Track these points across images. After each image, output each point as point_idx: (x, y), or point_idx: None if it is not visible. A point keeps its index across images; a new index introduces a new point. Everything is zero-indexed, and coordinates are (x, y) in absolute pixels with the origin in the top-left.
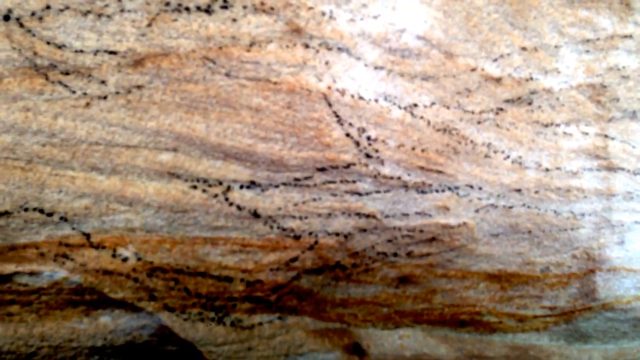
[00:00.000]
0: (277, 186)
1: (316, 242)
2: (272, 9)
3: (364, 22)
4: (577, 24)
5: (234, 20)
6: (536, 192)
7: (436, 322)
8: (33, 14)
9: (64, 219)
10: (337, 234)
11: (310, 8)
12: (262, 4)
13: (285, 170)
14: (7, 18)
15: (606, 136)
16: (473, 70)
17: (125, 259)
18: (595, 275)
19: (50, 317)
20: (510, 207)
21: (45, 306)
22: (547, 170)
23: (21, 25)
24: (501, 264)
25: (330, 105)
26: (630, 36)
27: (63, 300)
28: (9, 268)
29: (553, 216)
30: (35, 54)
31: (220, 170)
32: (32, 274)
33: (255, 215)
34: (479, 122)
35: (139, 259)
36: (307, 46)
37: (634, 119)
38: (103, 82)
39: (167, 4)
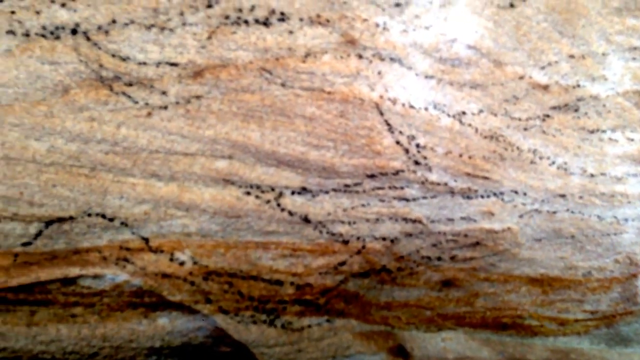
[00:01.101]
0: (327, 192)
1: (364, 247)
2: (327, 21)
3: (416, 32)
4: (624, 32)
5: (291, 32)
6: (580, 197)
7: (478, 325)
8: (99, 27)
9: (124, 224)
10: (384, 239)
11: (365, 20)
12: (318, 16)
13: (336, 176)
14: (74, 32)
15: None
16: (521, 78)
17: (182, 263)
18: (637, 279)
19: (111, 318)
20: (554, 212)
21: (107, 308)
22: (592, 175)
23: (88, 39)
24: (543, 268)
25: (381, 114)
26: None
27: (124, 303)
28: (74, 271)
29: (596, 221)
30: (100, 66)
31: (273, 177)
32: (95, 277)
33: (306, 220)
34: (525, 129)
35: (194, 263)
36: (360, 57)
37: None
38: (164, 92)
39: (227, 17)
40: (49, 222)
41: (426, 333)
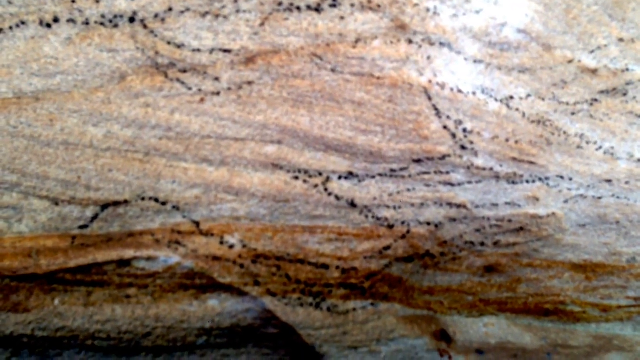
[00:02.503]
0: (373, 177)
1: (408, 231)
2: (378, 6)
3: (466, 17)
4: None
5: (342, 18)
6: (627, 182)
7: (520, 311)
8: (156, 15)
9: (176, 207)
10: (429, 224)
11: (416, 5)
12: (369, 1)
13: (383, 161)
14: (132, 20)
15: None
16: (570, 62)
17: (231, 246)
18: None
19: (164, 299)
20: (600, 198)
21: (159, 289)
22: (639, 161)
23: (145, 27)
24: (587, 254)
25: (430, 98)
26: None
27: (175, 284)
28: (129, 253)
29: None
30: (156, 53)
31: (321, 161)
32: (149, 259)
33: (352, 205)
34: (573, 114)
35: (244, 246)
36: (410, 42)
37: None
38: (217, 78)
39: (280, 3)
40: (104, 206)
41: (468, 318)
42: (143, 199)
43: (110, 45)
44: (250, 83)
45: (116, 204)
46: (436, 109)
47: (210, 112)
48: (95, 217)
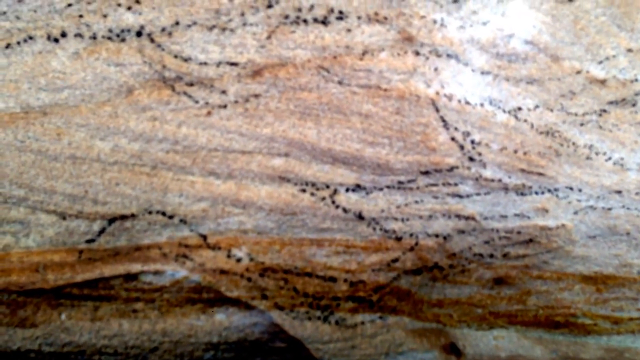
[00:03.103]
0: (381, 189)
1: (416, 244)
2: (385, 18)
3: (474, 28)
4: None
5: (349, 30)
6: (637, 193)
7: (531, 324)
8: (163, 29)
9: (183, 221)
10: (437, 236)
11: (423, 17)
12: (376, 14)
13: (390, 173)
14: (139, 34)
15: None
16: (578, 72)
17: (239, 260)
18: None
19: (171, 314)
20: (610, 209)
21: (166, 303)
22: None
23: (152, 41)
24: (597, 265)
25: (437, 110)
26: None
27: (183, 298)
28: (136, 267)
29: None
30: (164, 67)
31: (328, 174)
32: (156, 273)
33: (360, 217)
34: (581, 124)
35: (251, 260)
36: (417, 53)
37: None
38: (224, 92)
39: (287, 16)
40: (111, 220)
41: (478, 331)
42: (150, 212)
43: (118, 59)
44: (257, 96)
45: (123, 217)
46: (444, 121)
47: (217, 125)
48: (102, 231)
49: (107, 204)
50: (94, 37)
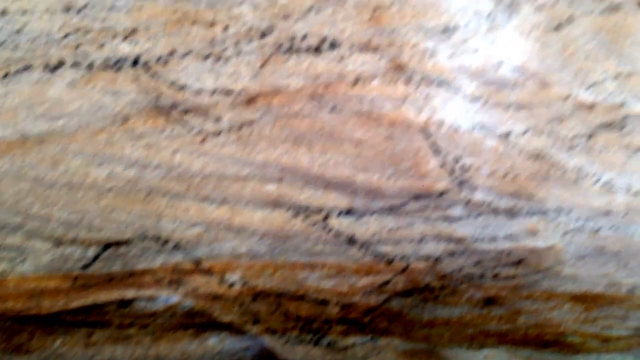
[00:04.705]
0: (372, 213)
1: (407, 266)
2: (377, 47)
3: (464, 56)
4: None
5: (341, 59)
6: (625, 214)
7: (520, 343)
8: (159, 59)
9: (177, 246)
10: (428, 258)
11: (414, 45)
12: (368, 43)
13: (382, 198)
14: (135, 63)
15: None
16: (567, 98)
17: (232, 284)
18: None
19: (163, 339)
20: (598, 230)
21: (160, 329)
22: (637, 193)
23: (147, 70)
24: (587, 285)
25: (428, 136)
26: None
27: (176, 323)
28: (130, 293)
29: None
30: (159, 95)
31: (321, 199)
32: (150, 298)
33: (352, 241)
34: (570, 148)
35: (244, 284)
36: (408, 81)
37: None
38: (218, 119)
39: (280, 46)
40: (106, 246)
41: (468, 351)
42: (144, 238)
43: (114, 88)
44: (250, 123)
45: (118, 243)
46: (434, 146)
47: (211, 152)
48: (96, 257)
49: (102, 230)
50: (90, 67)
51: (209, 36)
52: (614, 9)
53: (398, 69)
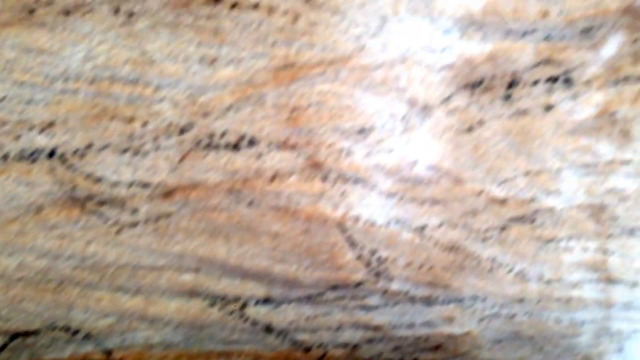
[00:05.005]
0: (290, 302)
1: (325, 353)
2: (294, 146)
3: (380, 155)
4: (578, 150)
5: (259, 155)
6: (538, 301)
7: None
8: (76, 151)
9: (88, 336)
10: (346, 345)
11: (330, 145)
12: (285, 142)
13: (300, 288)
14: (51, 155)
15: (605, 251)
16: (480, 193)
17: None
18: None
19: None
20: (513, 316)
21: None
22: (549, 282)
23: (63, 162)
24: None
25: (344, 231)
26: (629, 161)
27: None
28: None
29: (554, 324)
30: (74, 187)
31: (238, 288)
32: None
33: (269, 329)
34: (484, 240)
35: None
36: (325, 179)
37: (632, 236)
38: (135, 211)
39: (199, 142)
40: (14, 336)
41: None
42: (54, 328)
43: (28, 179)
44: (168, 215)
45: (26, 334)
46: (350, 241)
47: (127, 242)
48: (3, 347)
49: (10, 321)
50: (5, 158)
51: (128, 131)
52: (522, 113)
53: (315, 166)
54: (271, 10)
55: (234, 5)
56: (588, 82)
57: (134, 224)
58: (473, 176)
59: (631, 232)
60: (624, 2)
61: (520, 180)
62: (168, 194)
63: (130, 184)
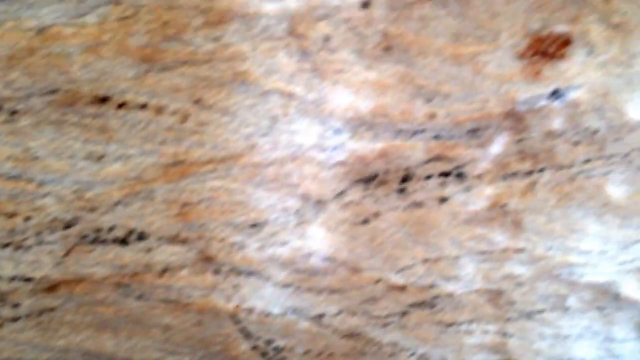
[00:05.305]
0: None
1: None
2: (185, 240)
3: (273, 248)
4: (474, 238)
5: (149, 250)
6: None
7: None
8: None
9: None
10: None
11: (222, 239)
12: (176, 236)
13: None
14: None
15: (505, 334)
16: (378, 281)
17: None
18: None
19: None
20: None
21: None
22: None
23: None
24: None
25: (238, 322)
26: (523, 249)
27: None
28: None
29: None
30: None
31: None
32: None
33: None
34: (384, 325)
35: None
36: (217, 272)
37: (530, 319)
38: (16, 305)
39: (85, 236)
40: None
41: None
42: None
43: None
44: (51, 309)
45: None
46: (245, 331)
47: (8, 337)
48: None
49: None
50: None
51: (9, 226)
52: (417, 205)
53: (206, 260)
54: (159, 110)
55: (121, 105)
56: (479, 176)
57: (15, 319)
58: (371, 265)
59: (528, 315)
60: (506, 106)
61: (419, 268)
62: (52, 288)
63: (12, 279)
